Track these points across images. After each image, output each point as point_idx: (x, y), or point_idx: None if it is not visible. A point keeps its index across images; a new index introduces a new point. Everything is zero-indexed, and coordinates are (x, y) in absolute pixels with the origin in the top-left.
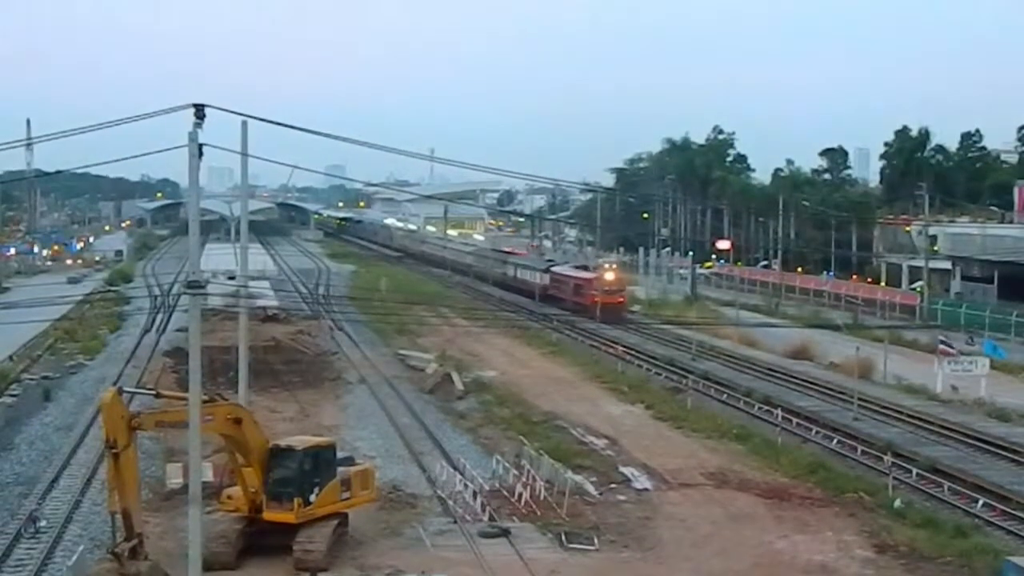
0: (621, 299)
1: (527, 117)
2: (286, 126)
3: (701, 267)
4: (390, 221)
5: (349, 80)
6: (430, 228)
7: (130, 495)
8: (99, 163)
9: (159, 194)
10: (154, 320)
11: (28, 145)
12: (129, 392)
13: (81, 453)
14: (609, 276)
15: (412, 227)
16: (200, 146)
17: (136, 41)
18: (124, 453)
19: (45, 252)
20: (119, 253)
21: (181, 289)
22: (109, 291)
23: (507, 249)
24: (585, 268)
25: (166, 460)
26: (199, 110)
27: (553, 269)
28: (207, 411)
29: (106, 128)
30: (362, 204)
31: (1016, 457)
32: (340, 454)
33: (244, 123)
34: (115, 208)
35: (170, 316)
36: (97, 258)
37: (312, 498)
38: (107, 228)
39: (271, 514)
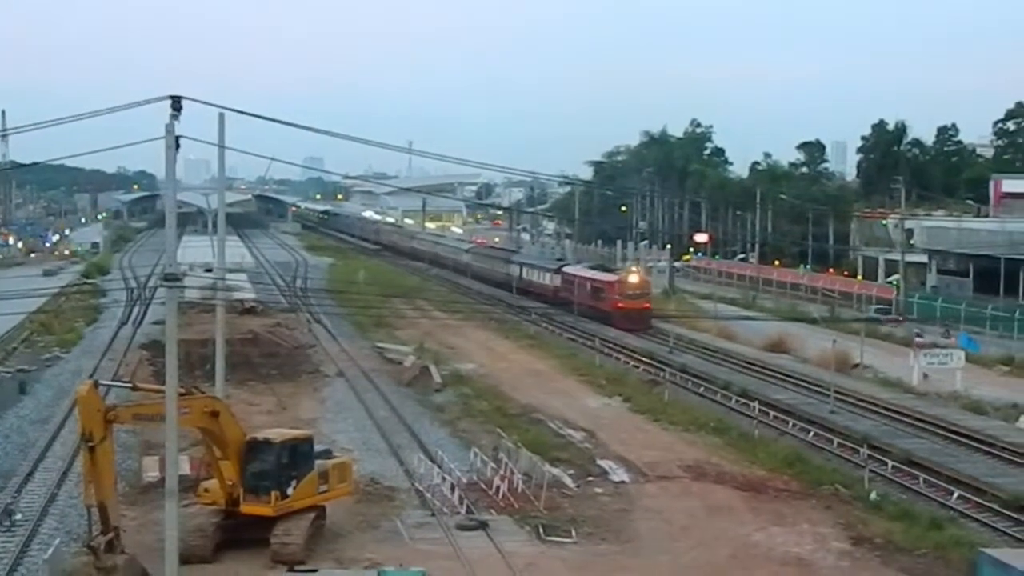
0: (647, 304)
1: (506, 110)
2: (263, 118)
3: (679, 260)
4: (369, 214)
5: (327, 72)
6: (408, 221)
7: (106, 488)
8: (75, 155)
9: (136, 186)
10: (131, 313)
11: (3, 136)
12: (105, 385)
13: (57, 446)
14: (633, 278)
15: (396, 221)
16: (177, 138)
17: (112, 32)
18: (100, 446)
19: (20, 244)
20: (95, 245)
21: (158, 282)
22: (85, 283)
23: (507, 246)
24: (603, 268)
25: (143, 453)
26: (176, 102)
27: (565, 269)
28: (184, 404)
29: (82, 120)
30: (340, 197)
31: (991, 450)
32: (318, 447)
33: (221, 115)
34: (91, 200)
35: (147, 309)
36: (66, 251)
37: (289, 491)
38: (83, 220)
39: (248, 507)
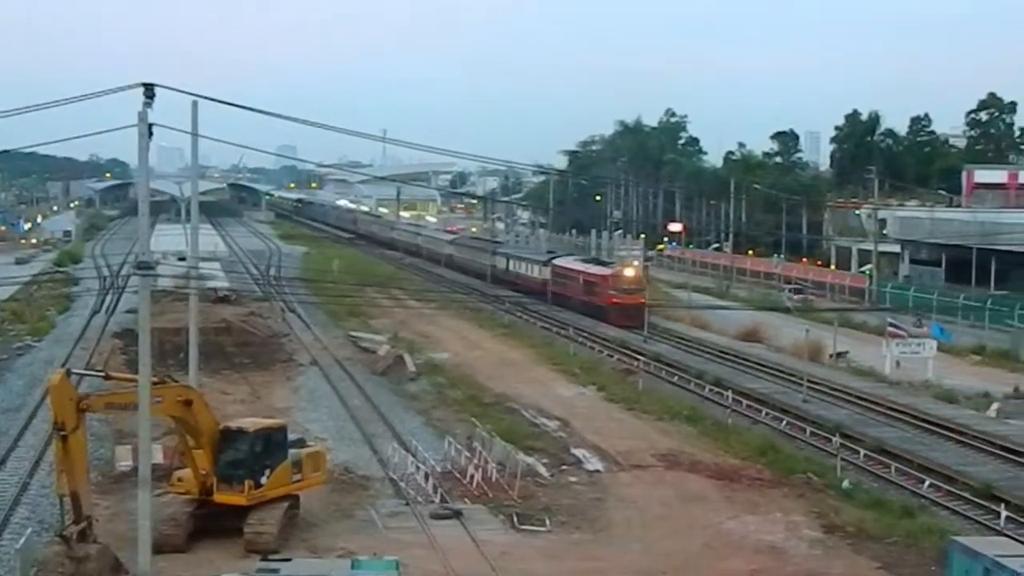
0: (642, 299)
1: (480, 99)
2: (237, 106)
3: (653, 249)
4: (343, 202)
5: (301, 60)
6: (382, 210)
7: (79, 477)
8: (47, 142)
9: (108, 174)
10: (103, 301)
11: None
12: (78, 374)
13: (29, 435)
14: (628, 272)
15: (369, 209)
16: (150, 126)
17: (84, 18)
18: (73, 435)
19: None
20: (67, 234)
21: (131, 270)
22: (57, 272)
23: (490, 237)
24: (597, 261)
25: (115, 442)
26: (148, 90)
27: (556, 262)
28: (157, 393)
29: (54, 107)
30: (314, 185)
31: (962, 438)
32: (291, 436)
33: (195, 103)
34: (63, 188)
35: (119, 297)
36: (34, 240)
37: (263, 480)
38: (55, 208)
39: (222, 496)
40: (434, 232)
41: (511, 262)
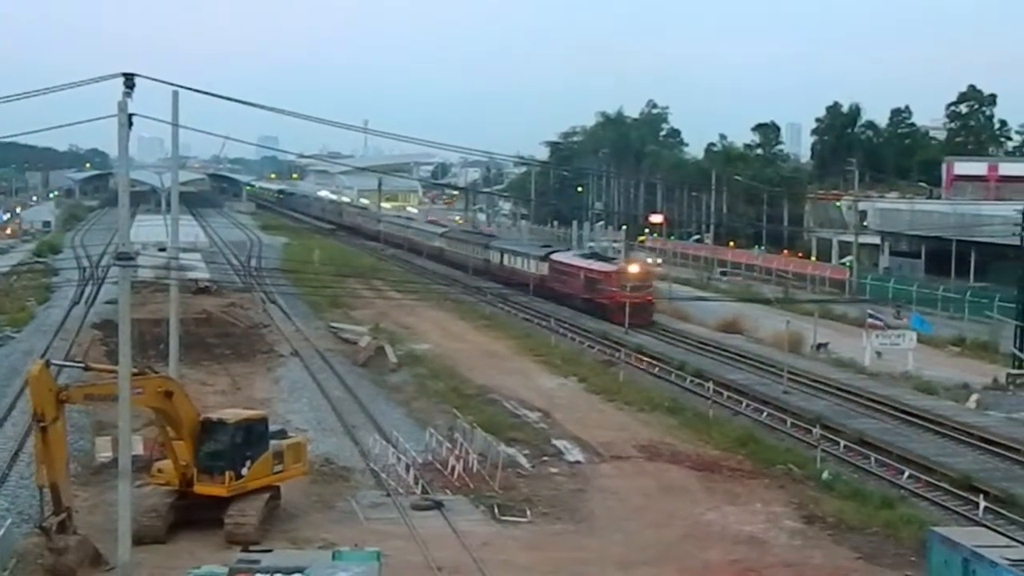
0: (649, 297)
1: (462, 89)
2: (218, 96)
3: (634, 241)
4: (324, 193)
5: (282, 50)
6: (363, 201)
7: (58, 469)
8: (26, 132)
9: (88, 164)
10: (83, 292)
11: None
12: (57, 365)
13: (8, 426)
14: (634, 268)
15: (351, 200)
16: (130, 116)
17: (64, 8)
18: (52, 426)
19: None
20: (47, 224)
21: (111, 261)
22: (37, 262)
23: (483, 229)
24: (599, 257)
25: (95, 433)
26: (129, 79)
27: (554, 257)
28: (137, 384)
29: (33, 96)
30: (295, 176)
31: (941, 430)
32: (272, 427)
33: (175, 93)
34: (43, 178)
35: (99, 288)
36: (7, 231)
37: (244, 471)
38: (35, 199)
39: (202, 487)
40: (423, 225)
41: (506, 256)
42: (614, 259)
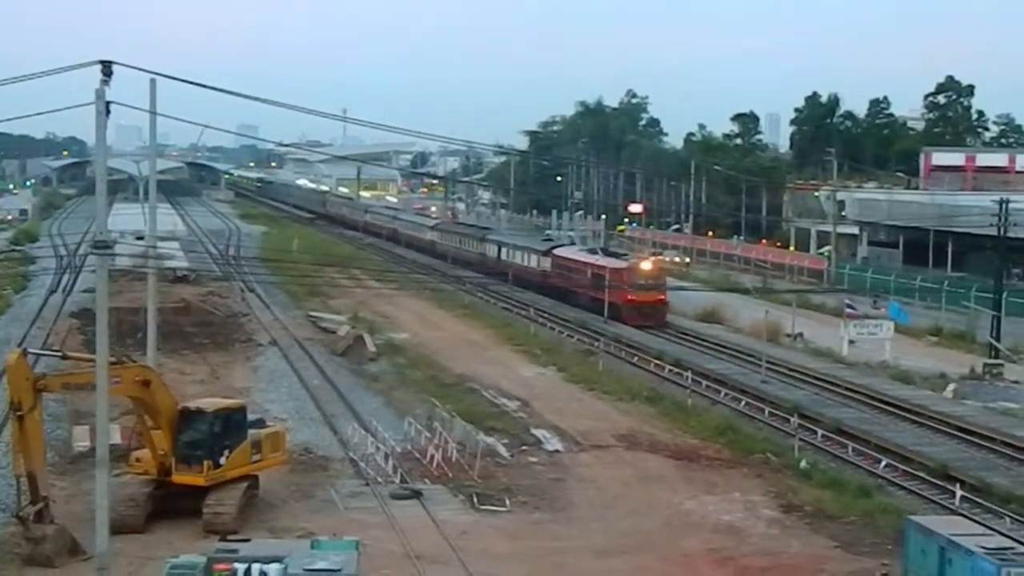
0: (662, 296)
1: (442, 79)
2: (196, 84)
3: (614, 230)
4: (303, 182)
5: (261, 39)
6: (342, 190)
7: (35, 458)
8: (2, 119)
9: (65, 152)
10: (60, 280)
11: None
12: (34, 353)
13: None
14: (646, 265)
15: (330, 189)
16: (107, 104)
17: None
18: (29, 415)
19: None
20: (24, 212)
21: (88, 249)
22: (13, 251)
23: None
24: (608, 253)
25: (73, 422)
26: (106, 67)
27: (558, 252)
28: (115, 373)
29: (10, 84)
30: (273, 164)
31: (918, 419)
32: (251, 416)
33: (153, 81)
34: (20, 166)
35: (77, 277)
36: None
37: (222, 460)
38: (11, 187)
39: (180, 477)
40: (413, 216)
41: (503, 250)
42: (625, 255)
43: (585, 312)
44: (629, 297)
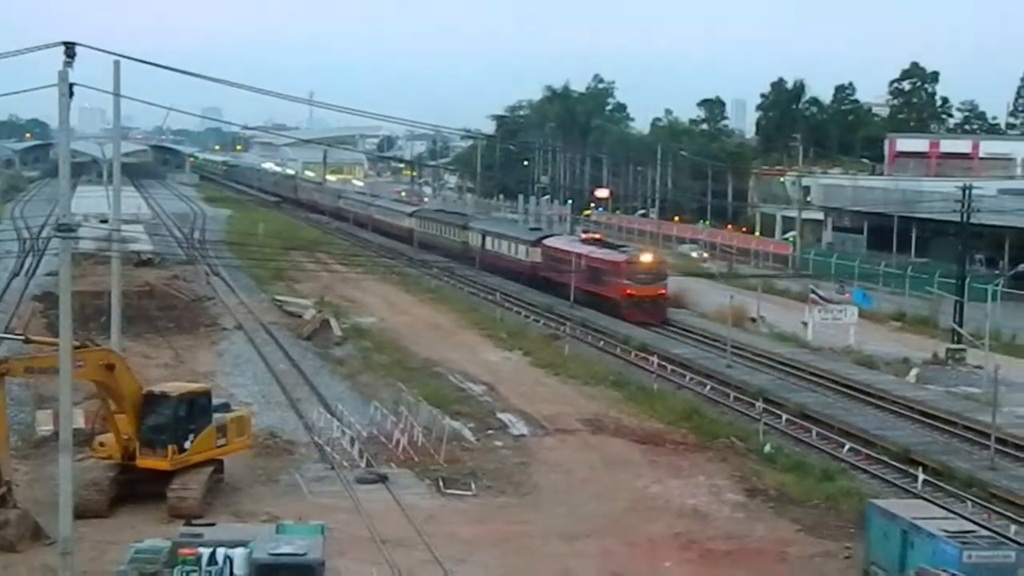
0: (663, 290)
1: (408, 62)
2: (160, 66)
3: (580, 215)
4: (268, 165)
5: (226, 21)
6: (308, 173)
7: None
8: None
9: (28, 135)
10: (23, 264)
11: None
12: None
13: None
14: (647, 258)
15: (296, 173)
16: (71, 86)
17: None
18: None
19: None
20: None
21: (51, 232)
22: None
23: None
24: (604, 243)
25: (36, 407)
26: (69, 48)
27: (548, 242)
28: (78, 357)
29: None
30: (239, 148)
31: (881, 403)
32: (216, 400)
33: (117, 63)
34: None
35: (40, 260)
36: None
37: (186, 445)
38: None
39: (144, 461)
40: (390, 203)
41: (488, 239)
42: (623, 247)
43: (580, 307)
44: (629, 291)
